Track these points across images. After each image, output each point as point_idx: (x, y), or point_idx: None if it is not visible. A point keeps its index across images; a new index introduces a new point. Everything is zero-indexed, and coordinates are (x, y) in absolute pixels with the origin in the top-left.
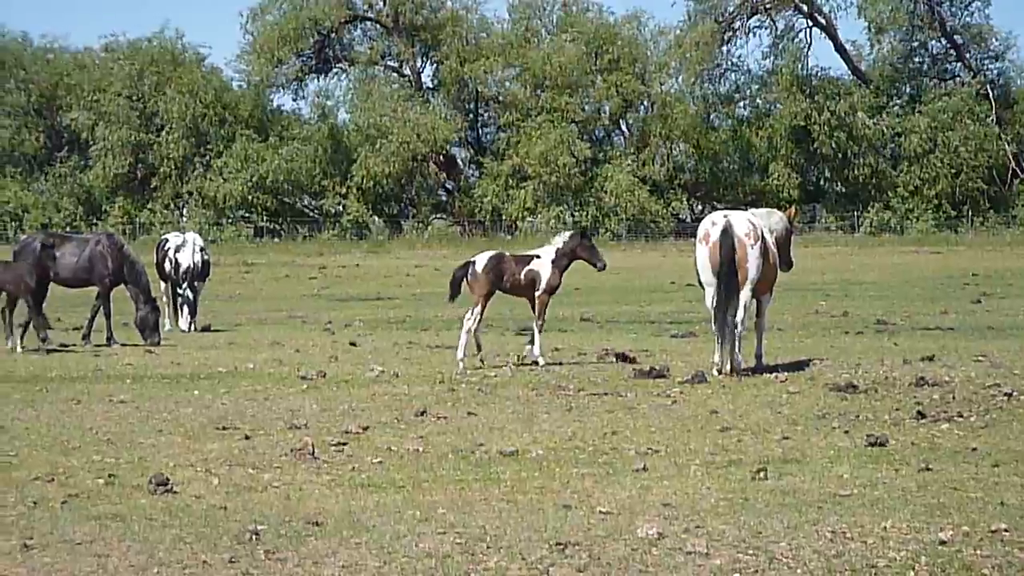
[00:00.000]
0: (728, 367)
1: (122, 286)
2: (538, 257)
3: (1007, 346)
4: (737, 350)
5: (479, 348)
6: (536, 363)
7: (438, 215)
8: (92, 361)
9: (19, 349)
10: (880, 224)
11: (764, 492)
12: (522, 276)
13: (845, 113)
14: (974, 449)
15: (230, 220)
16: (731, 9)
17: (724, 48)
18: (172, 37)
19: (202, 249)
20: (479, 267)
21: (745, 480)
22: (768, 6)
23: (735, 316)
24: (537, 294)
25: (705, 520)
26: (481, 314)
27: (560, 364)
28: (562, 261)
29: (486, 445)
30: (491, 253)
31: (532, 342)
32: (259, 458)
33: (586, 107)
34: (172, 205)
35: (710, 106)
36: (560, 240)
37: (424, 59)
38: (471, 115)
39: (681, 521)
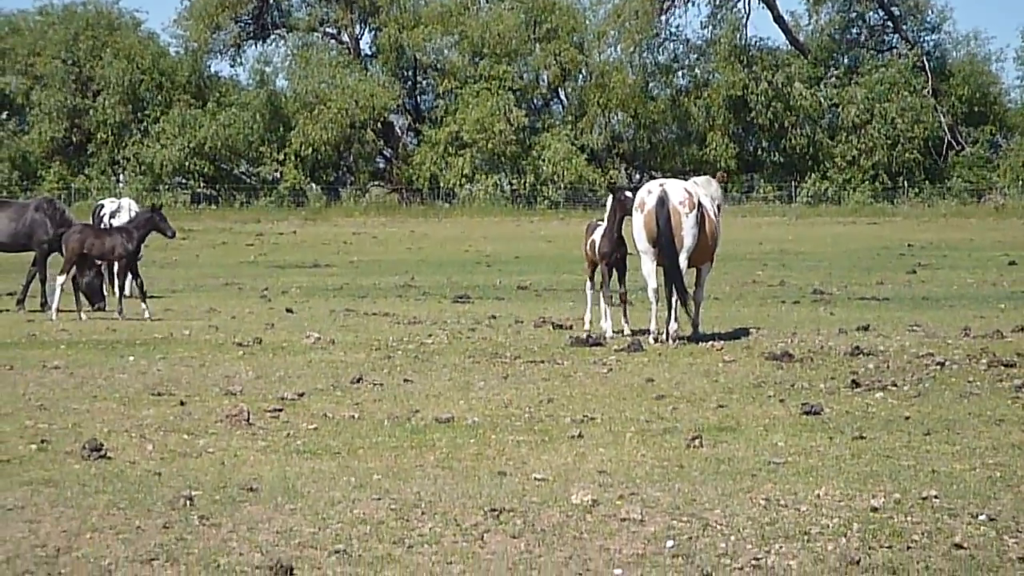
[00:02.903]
0: (664, 335)
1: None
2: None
3: (941, 316)
4: (674, 318)
5: (607, 313)
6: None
7: (376, 182)
8: (26, 327)
9: (55, 316)
10: (817, 195)
11: (699, 460)
12: (588, 244)
13: (783, 84)
14: (907, 418)
15: (167, 186)
16: None
17: (663, 18)
18: (108, 1)
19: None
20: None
21: (680, 448)
22: None
23: (672, 284)
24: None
25: (640, 487)
26: (592, 279)
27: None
28: (611, 223)
29: (422, 412)
30: (591, 221)
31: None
32: (194, 424)
33: (524, 76)
34: (108, 171)
35: (648, 76)
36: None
37: (363, 26)
38: (409, 83)
39: (616, 488)
